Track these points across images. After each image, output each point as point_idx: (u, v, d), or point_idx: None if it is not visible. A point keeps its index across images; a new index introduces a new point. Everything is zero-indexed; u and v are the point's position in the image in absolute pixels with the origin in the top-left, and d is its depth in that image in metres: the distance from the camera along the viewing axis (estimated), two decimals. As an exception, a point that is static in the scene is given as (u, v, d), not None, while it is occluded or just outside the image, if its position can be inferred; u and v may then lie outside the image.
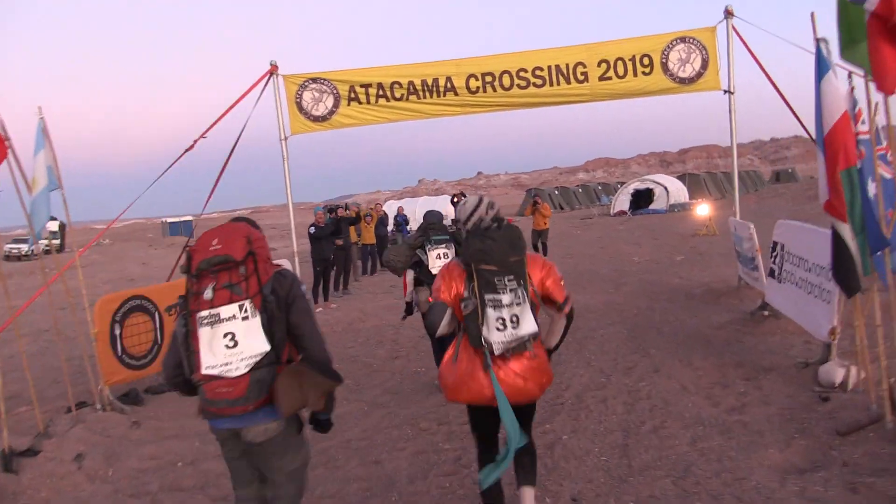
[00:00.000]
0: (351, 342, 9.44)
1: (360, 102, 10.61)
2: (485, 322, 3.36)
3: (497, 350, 3.36)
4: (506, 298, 3.37)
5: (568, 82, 10.22)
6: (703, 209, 20.20)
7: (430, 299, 3.59)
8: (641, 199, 37.17)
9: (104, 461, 5.40)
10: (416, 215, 43.85)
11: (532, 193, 15.68)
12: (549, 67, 10.21)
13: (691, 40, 10.12)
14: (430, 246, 6.41)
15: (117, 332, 6.66)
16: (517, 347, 3.39)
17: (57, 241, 53.08)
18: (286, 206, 11.43)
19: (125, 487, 4.95)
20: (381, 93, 10.51)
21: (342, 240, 14.08)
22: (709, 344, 7.31)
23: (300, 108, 10.74)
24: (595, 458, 4.67)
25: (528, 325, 3.38)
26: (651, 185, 37.16)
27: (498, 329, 3.36)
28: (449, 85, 10.34)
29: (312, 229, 13.07)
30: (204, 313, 2.87)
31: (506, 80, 10.25)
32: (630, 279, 12.65)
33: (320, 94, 10.67)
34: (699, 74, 10.15)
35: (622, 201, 37.10)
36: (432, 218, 6.74)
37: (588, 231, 26.80)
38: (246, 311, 2.87)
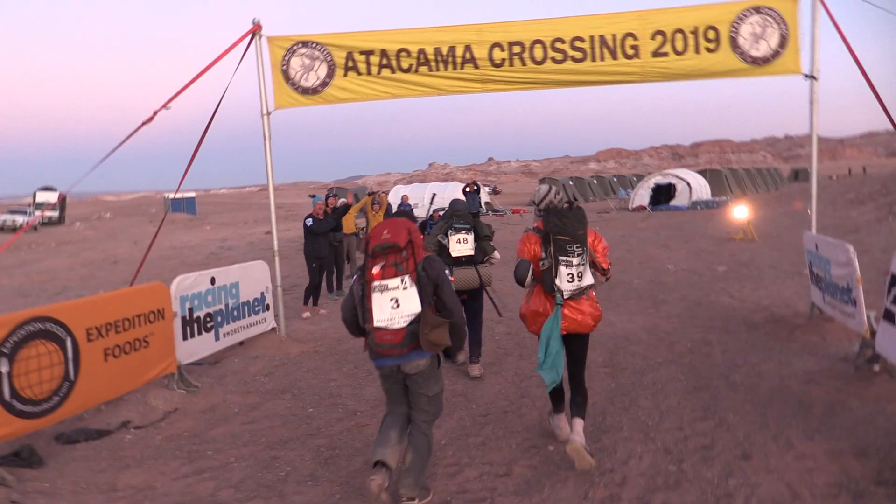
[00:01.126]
0: (334, 371, 7.61)
1: (359, 73, 8.73)
2: (558, 276, 4.74)
3: (566, 295, 4.76)
4: (575, 260, 4.77)
5: (614, 57, 8.31)
6: (740, 211, 18.25)
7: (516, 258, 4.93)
8: (661, 194, 35.23)
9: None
10: (424, 202, 42.19)
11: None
12: (592, 38, 8.29)
13: (768, 11, 8.18)
14: (451, 232, 7.05)
15: (4, 369, 4.85)
16: (579, 293, 4.82)
17: (55, 213, 51.80)
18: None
19: None
20: (384, 62, 8.63)
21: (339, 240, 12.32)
22: (805, 410, 5.45)
23: (287, 78, 8.87)
24: None
25: (588, 279, 4.86)
26: (673, 180, 35.13)
27: (568, 281, 4.76)
28: (468, 55, 8.45)
29: (309, 221, 11.05)
30: (376, 283, 4.19)
31: (538, 52, 8.35)
32: (670, 295, 10.77)
33: (311, 60, 8.79)
34: (775, 54, 8.22)
35: (642, 195, 35.14)
36: (458, 206, 7.37)
37: (609, 228, 24.85)
38: (405, 283, 4.18)
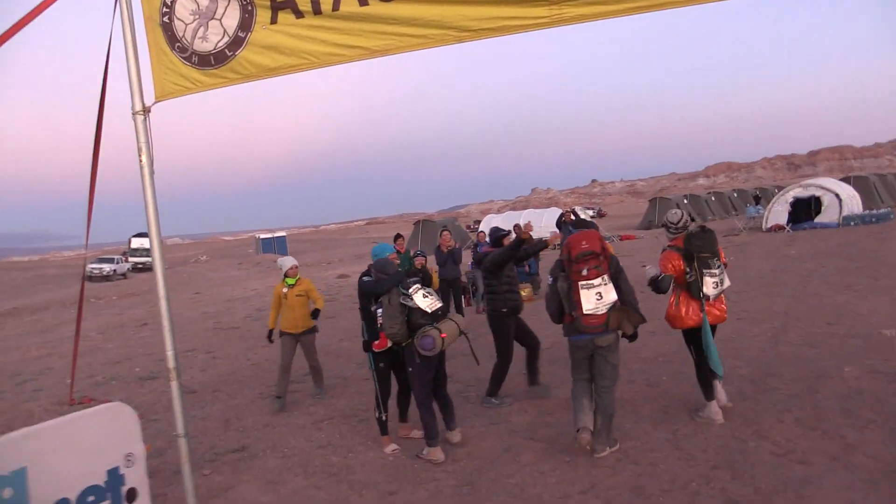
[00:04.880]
0: None
1: (298, 14, 4.28)
2: (704, 284, 5.91)
3: (712, 298, 5.99)
4: (716, 271, 5.98)
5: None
6: (961, 232, 12.59)
7: (660, 275, 6.05)
8: (802, 209, 29.02)
9: None
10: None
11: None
12: None
13: None
14: (411, 290, 5.95)
15: None
16: (718, 295, 6.07)
17: (149, 259, 50.25)
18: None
19: None
20: (345, -14, 4.17)
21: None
22: None
23: (172, 40, 4.63)
24: None
25: (727, 283, 6.15)
26: (817, 192, 28.85)
27: (713, 287, 5.97)
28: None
29: (367, 279, 6.43)
30: (583, 282, 5.41)
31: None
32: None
33: (212, 2, 4.48)
34: None
35: (778, 212, 29.03)
36: (387, 267, 6.22)
37: (746, 256, 19.34)
38: (605, 280, 5.44)
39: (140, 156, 4.68)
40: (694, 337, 6.13)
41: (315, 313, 8.40)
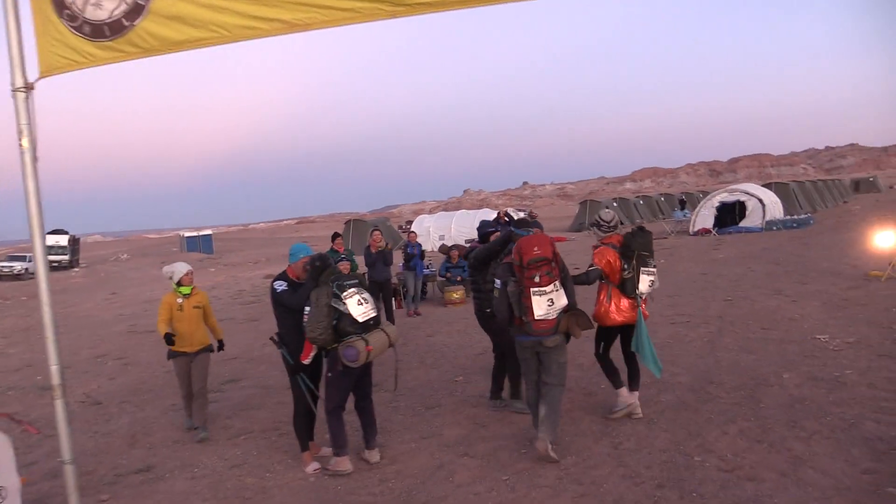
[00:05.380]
0: None
1: (205, -19, 3.77)
2: (640, 282, 6.02)
3: (645, 296, 6.11)
4: (652, 269, 6.13)
5: None
6: (885, 238, 12.85)
7: (589, 267, 6.15)
8: (727, 213, 29.71)
9: None
10: (451, 232, 37.19)
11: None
12: None
13: None
14: (344, 294, 5.36)
15: None
16: (652, 294, 6.30)
17: (66, 257, 47.61)
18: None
19: None
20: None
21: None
22: None
23: (59, 7, 4.04)
24: None
25: (657, 283, 6.23)
26: (742, 197, 29.58)
27: (649, 285, 6.10)
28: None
29: (281, 286, 5.87)
30: (534, 288, 5.31)
31: None
32: (888, 429, 5.49)
33: (108, -36, 3.90)
34: None
35: (704, 216, 29.61)
36: (322, 262, 5.60)
37: (676, 259, 19.50)
38: (556, 286, 5.38)
39: (20, 139, 4.06)
40: (609, 334, 6.31)
41: (220, 345, 7.33)
